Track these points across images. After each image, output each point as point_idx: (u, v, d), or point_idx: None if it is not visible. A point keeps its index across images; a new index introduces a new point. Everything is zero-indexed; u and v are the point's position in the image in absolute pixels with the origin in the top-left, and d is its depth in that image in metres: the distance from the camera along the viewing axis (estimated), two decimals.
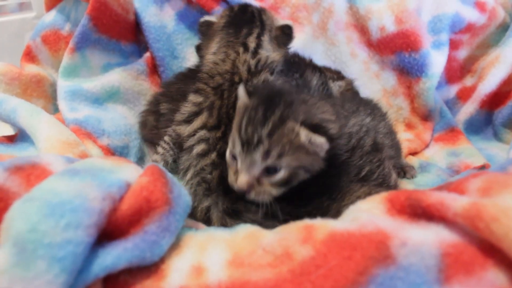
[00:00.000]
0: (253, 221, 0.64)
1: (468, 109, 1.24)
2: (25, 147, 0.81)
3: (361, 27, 1.24)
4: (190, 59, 1.19)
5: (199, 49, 1.07)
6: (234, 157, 0.68)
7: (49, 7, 1.14)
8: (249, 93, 0.70)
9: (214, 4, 1.17)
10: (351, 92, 1.14)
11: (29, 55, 1.10)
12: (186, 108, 0.82)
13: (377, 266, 0.40)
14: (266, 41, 0.89)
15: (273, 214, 0.66)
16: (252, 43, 0.87)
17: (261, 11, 0.93)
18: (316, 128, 0.62)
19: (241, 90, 0.71)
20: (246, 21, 0.90)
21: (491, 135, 1.23)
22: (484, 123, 1.25)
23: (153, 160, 0.87)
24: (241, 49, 0.86)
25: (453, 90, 1.31)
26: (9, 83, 0.97)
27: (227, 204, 0.70)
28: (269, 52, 0.88)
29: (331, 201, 0.67)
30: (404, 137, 1.19)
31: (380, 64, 1.25)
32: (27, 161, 0.49)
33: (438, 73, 1.18)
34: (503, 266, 0.39)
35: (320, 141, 0.62)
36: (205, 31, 0.95)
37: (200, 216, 0.72)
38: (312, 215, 0.51)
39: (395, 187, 0.77)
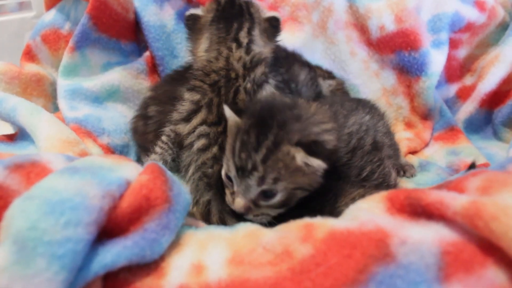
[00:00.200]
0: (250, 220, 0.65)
1: (468, 108, 1.24)
2: (25, 146, 0.81)
3: (360, 26, 1.24)
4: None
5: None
6: (229, 179, 0.67)
7: (48, 7, 1.14)
8: (238, 112, 0.67)
9: None
10: (340, 92, 1.14)
11: (29, 54, 1.10)
12: (184, 107, 0.82)
13: (377, 264, 0.40)
14: (257, 35, 0.88)
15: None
16: (244, 38, 0.85)
17: (248, 3, 0.91)
18: (312, 146, 0.60)
19: (227, 111, 0.68)
20: (235, 14, 0.88)
21: (490, 134, 1.23)
22: (484, 122, 1.25)
23: (151, 160, 0.87)
24: (233, 45, 0.84)
25: (452, 89, 1.31)
26: (9, 82, 0.97)
27: (223, 206, 0.71)
28: (261, 47, 0.87)
29: (325, 203, 0.66)
30: (404, 136, 1.19)
31: (380, 63, 1.24)
32: (27, 159, 0.49)
33: (437, 72, 1.18)
34: (503, 265, 0.39)
35: (317, 163, 0.60)
36: (192, 25, 0.91)
37: (201, 209, 0.72)
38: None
39: (395, 186, 0.76)
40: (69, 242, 0.38)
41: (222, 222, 0.71)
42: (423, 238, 0.42)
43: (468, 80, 1.29)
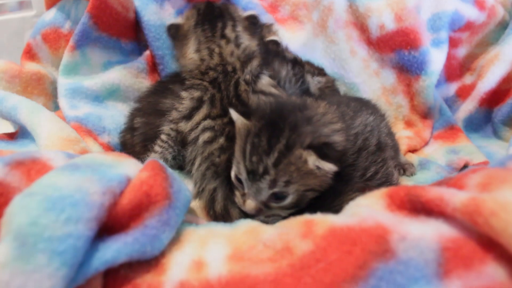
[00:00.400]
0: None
1: (468, 107, 1.24)
2: (25, 144, 0.82)
3: (360, 25, 1.24)
4: None
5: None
6: (239, 181, 0.67)
7: (49, 5, 1.14)
8: (245, 114, 0.67)
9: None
10: (330, 90, 1.14)
11: (29, 53, 1.10)
12: (184, 105, 0.83)
13: (377, 260, 0.40)
14: (242, 31, 0.93)
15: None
16: (231, 34, 0.90)
17: (226, 6, 0.96)
18: (324, 148, 0.61)
19: (233, 114, 0.68)
20: (216, 16, 0.93)
21: (490, 133, 1.23)
22: (484, 121, 1.25)
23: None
24: (223, 42, 0.88)
25: (452, 88, 1.31)
26: (9, 80, 0.97)
27: (228, 195, 0.72)
28: (248, 42, 0.92)
29: (329, 204, 0.66)
30: (404, 134, 1.19)
31: (380, 62, 1.24)
32: (28, 156, 0.49)
33: (437, 71, 1.18)
34: (502, 261, 0.39)
35: (329, 167, 0.60)
36: (174, 34, 0.97)
37: (206, 197, 0.73)
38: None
39: (396, 185, 0.77)
40: (70, 238, 0.38)
41: (225, 210, 0.72)
42: (423, 234, 0.42)
43: (468, 79, 1.29)
